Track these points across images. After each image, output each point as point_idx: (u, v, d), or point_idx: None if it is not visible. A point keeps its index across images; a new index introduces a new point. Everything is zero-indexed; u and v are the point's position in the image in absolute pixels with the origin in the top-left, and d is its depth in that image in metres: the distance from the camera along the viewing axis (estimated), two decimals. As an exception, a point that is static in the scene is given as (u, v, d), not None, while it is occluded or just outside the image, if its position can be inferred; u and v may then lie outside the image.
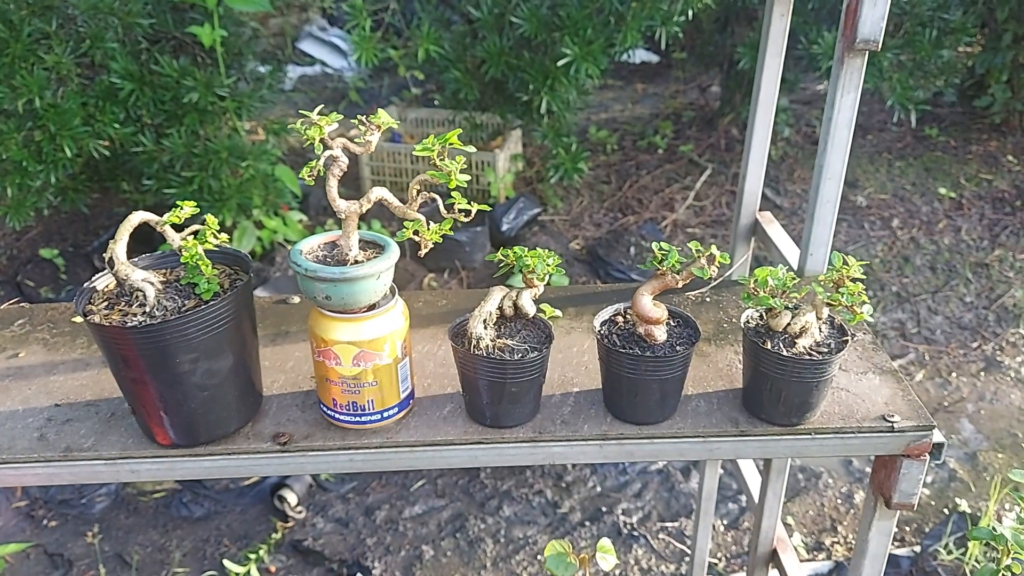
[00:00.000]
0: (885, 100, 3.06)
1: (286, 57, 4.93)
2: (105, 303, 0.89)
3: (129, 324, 0.85)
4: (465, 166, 0.87)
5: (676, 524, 2.24)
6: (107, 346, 0.87)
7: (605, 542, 1.04)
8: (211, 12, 2.43)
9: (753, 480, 1.65)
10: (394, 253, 0.91)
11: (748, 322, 0.97)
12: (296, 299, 1.25)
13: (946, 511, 2.25)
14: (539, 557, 2.14)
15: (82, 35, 2.31)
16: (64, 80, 2.29)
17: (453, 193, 0.88)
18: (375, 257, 0.90)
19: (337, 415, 0.95)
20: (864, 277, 0.93)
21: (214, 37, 2.44)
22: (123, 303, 0.88)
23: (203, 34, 2.42)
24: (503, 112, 3.13)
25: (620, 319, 0.99)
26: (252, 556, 2.06)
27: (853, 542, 2.17)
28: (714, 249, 0.91)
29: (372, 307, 0.91)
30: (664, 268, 0.93)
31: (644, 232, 3.34)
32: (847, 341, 0.94)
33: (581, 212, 3.54)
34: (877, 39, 1.04)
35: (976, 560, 2.05)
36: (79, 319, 0.85)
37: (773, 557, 1.58)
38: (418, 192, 0.90)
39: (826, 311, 0.95)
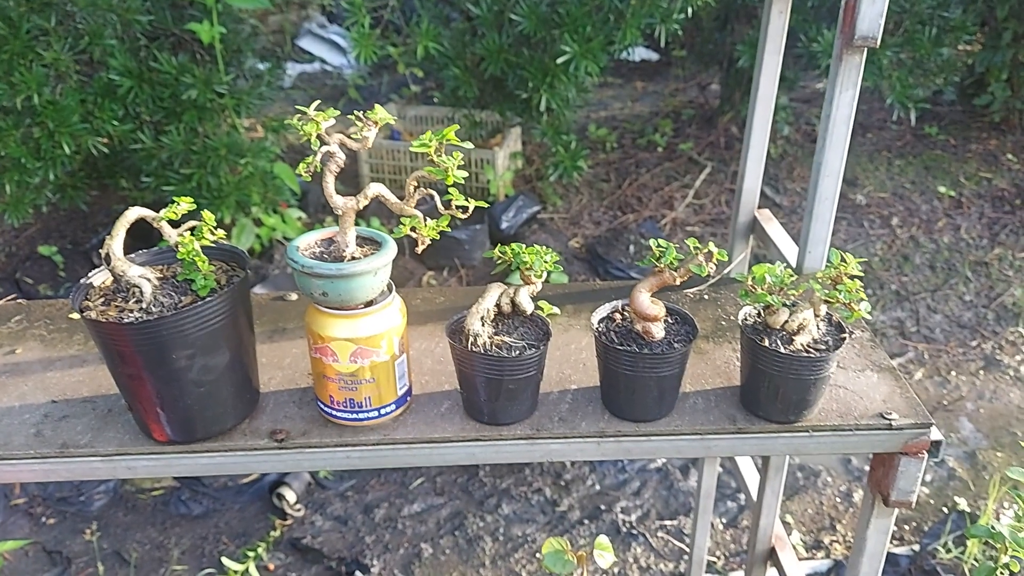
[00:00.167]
0: (885, 98, 3.06)
1: (285, 54, 4.92)
2: (102, 299, 0.89)
3: (126, 320, 0.84)
4: (464, 163, 0.87)
5: (675, 522, 2.24)
6: (104, 342, 0.87)
7: (603, 539, 1.04)
8: (210, 9, 2.42)
9: (751, 478, 1.65)
10: (391, 249, 0.90)
11: (746, 319, 0.97)
12: (293, 296, 1.24)
13: (945, 510, 2.25)
14: (538, 555, 2.14)
15: (81, 32, 2.31)
16: (63, 77, 2.28)
17: (451, 189, 0.88)
18: (372, 253, 0.90)
19: (334, 412, 0.95)
20: (862, 274, 0.93)
21: (213, 34, 2.43)
22: (120, 299, 0.88)
23: (202, 31, 2.42)
24: (502, 110, 3.13)
25: (618, 316, 0.99)
26: (251, 554, 2.06)
27: (852, 540, 2.17)
28: (712, 246, 0.91)
29: (369, 304, 0.91)
30: (662, 265, 0.92)
31: (643, 230, 3.34)
32: (845, 338, 0.94)
33: (580, 210, 3.54)
34: (875, 36, 1.04)
35: (975, 558, 2.05)
36: (76, 315, 0.85)
37: (771, 555, 1.58)
38: (415, 188, 0.90)
39: (824, 308, 0.95)
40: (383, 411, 0.95)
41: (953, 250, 3.27)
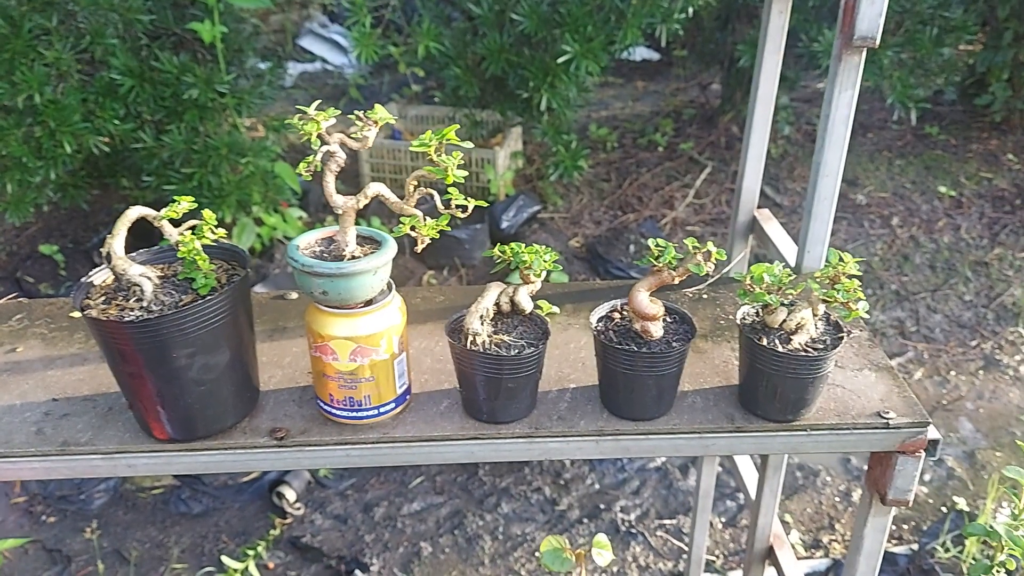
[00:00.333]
0: (885, 98, 3.06)
1: (286, 54, 4.93)
2: (103, 298, 0.89)
3: (126, 319, 0.85)
4: (464, 163, 0.87)
5: (674, 521, 2.25)
6: (104, 341, 0.87)
7: (601, 537, 1.04)
8: (211, 8, 2.43)
9: (750, 477, 1.65)
10: (391, 249, 0.91)
11: (744, 319, 0.98)
12: (294, 295, 1.25)
13: (944, 509, 2.25)
14: (537, 554, 2.14)
15: (82, 31, 2.31)
16: (64, 76, 2.29)
17: (450, 189, 0.88)
18: (372, 252, 0.90)
19: (334, 410, 0.95)
20: (860, 274, 0.93)
21: (214, 33, 2.44)
22: (120, 298, 0.88)
23: (203, 30, 2.42)
24: (503, 109, 3.13)
25: (617, 315, 0.99)
26: (250, 552, 2.06)
27: (850, 540, 2.17)
28: (710, 246, 0.92)
29: (369, 303, 0.91)
30: (660, 264, 0.93)
31: (644, 230, 3.34)
32: (843, 338, 0.95)
33: (581, 210, 3.54)
34: (875, 36, 1.04)
35: (973, 557, 2.06)
36: (77, 314, 0.86)
37: (770, 554, 1.58)
38: (415, 188, 0.91)
39: (822, 308, 0.95)
40: (382, 409, 0.96)
41: (953, 250, 3.28)
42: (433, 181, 0.89)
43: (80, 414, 0.98)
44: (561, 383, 1.03)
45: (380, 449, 0.95)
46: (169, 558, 2.14)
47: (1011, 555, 1.04)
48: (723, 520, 2.26)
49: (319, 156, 0.87)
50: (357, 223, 0.92)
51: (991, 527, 1.06)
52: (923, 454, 0.96)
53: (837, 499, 2.31)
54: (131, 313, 0.86)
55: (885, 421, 0.96)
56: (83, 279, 0.91)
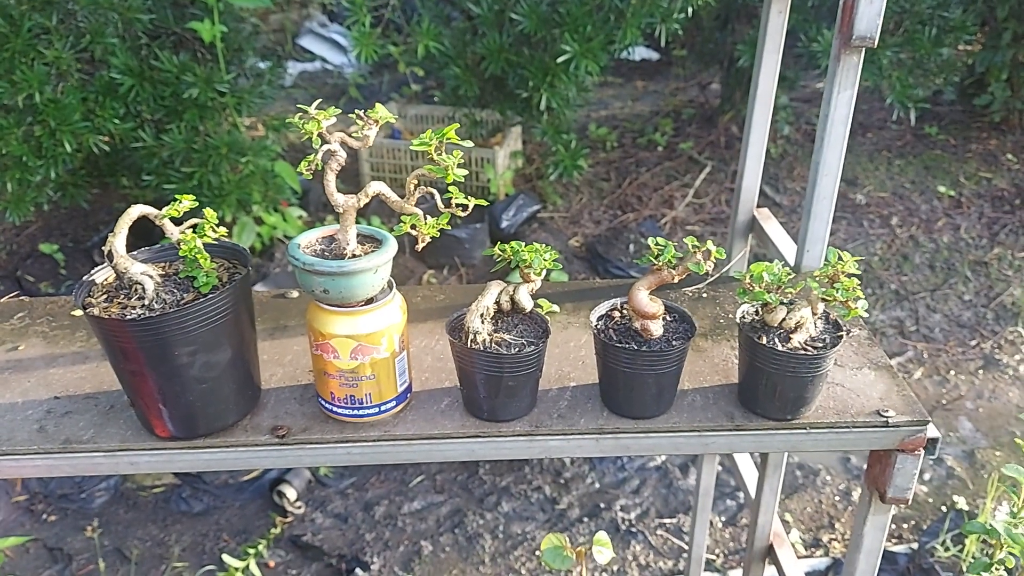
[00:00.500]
0: (885, 98, 3.06)
1: (286, 53, 4.93)
2: (104, 296, 0.89)
3: (128, 317, 0.85)
4: (464, 162, 0.87)
5: (674, 520, 2.25)
6: (106, 339, 0.87)
7: (602, 535, 1.05)
8: (211, 8, 2.43)
9: (750, 476, 1.65)
10: (392, 247, 0.91)
11: (744, 317, 0.98)
12: (295, 293, 1.25)
13: (944, 508, 2.26)
14: (537, 552, 2.14)
15: (82, 30, 2.32)
16: (64, 75, 2.29)
17: (450, 188, 0.88)
18: (373, 251, 0.90)
19: (335, 408, 0.96)
20: (859, 273, 0.93)
21: (214, 33, 2.44)
22: (122, 296, 0.89)
23: (203, 30, 2.42)
24: (503, 109, 3.13)
25: (617, 314, 1.00)
26: (251, 551, 2.06)
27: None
28: (710, 245, 0.92)
29: (370, 301, 0.91)
30: (660, 263, 0.93)
31: (643, 229, 3.35)
32: (842, 336, 0.95)
33: (581, 209, 3.54)
34: (873, 36, 1.04)
35: (973, 556, 2.06)
36: (78, 312, 0.86)
37: (770, 553, 1.59)
38: (416, 187, 0.91)
39: (821, 306, 0.96)
40: (383, 407, 0.96)
41: (953, 250, 3.28)
42: (433, 180, 0.89)
43: (82, 412, 0.98)
44: (561, 381, 1.03)
45: (381, 447, 0.95)
46: (170, 556, 2.14)
47: (1010, 553, 1.05)
48: (723, 519, 2.26)
49: (320, 155, 0.87)
50: (357, 222, 0.92)
51: (990, 525, 1.06)
52: (922, 452, 0.97)
53: (837, 498, 2.32)
54: (133, 311, 0.86)
55: (884, 419, 0.96)
56: (85, 277, 0.91)
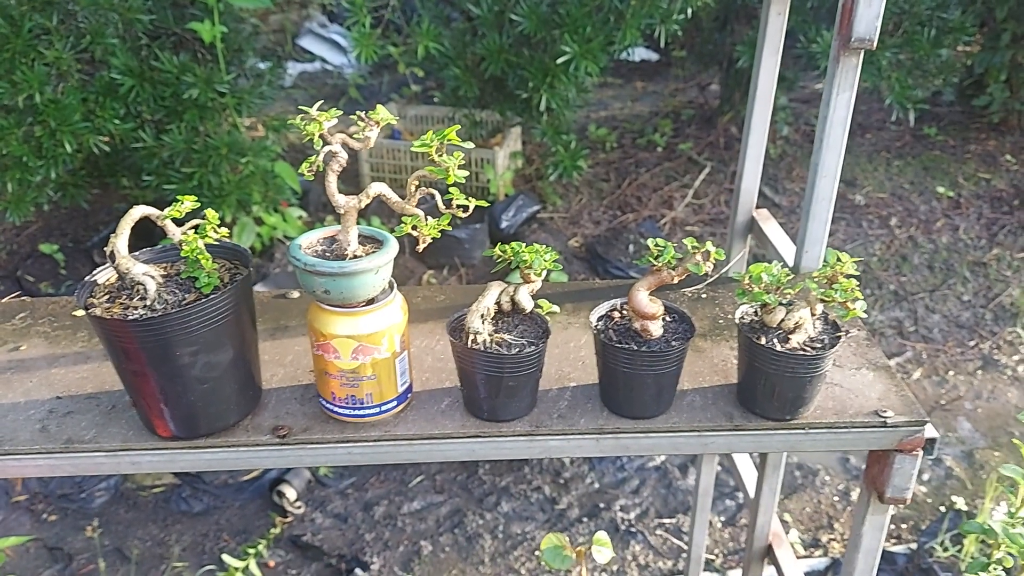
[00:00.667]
0: (884, 99, 3.07)
1: (286, 54, 4.93)
2: (106, 296, 0.90)
3: (130, 317, 0.85)
4: (464, 163, 0.88)
5: (673, 520, 2.25)
6: (108, 339, 0.88)
7: (601, 535, 1.05)
8: (211, 8, 2.43)
9: (749, 476, 1.66)
10: (392, 248, 0.91)
11: (743, 318, 0.98)
12: (295, 294, 1.25)
13: (942, 508, 2.26)
14: (537, 552, 2.15)
15: (82, 31, 2.32)
16: (64, 76, 2.29)
17: (451, 189, 0.89)
18: (374, 252, 0.91)
19: (336, 408, 0.96)
20: (858, 273, 0.94)
21: (214, 33, 2.44)
22: (124, 296, 0.89)
23: (203, 30, 2.42)
24: (503, 109, 3.14)
25: (616, 314, 1.00)
26: (251, 551, 2.07)
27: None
28: (709, 245, 0.92)
29: (371, 301, 0.92)
30: (660, 264, 0.94)
31: (643, 230, 3.35)
32: (840, 337, 0.95)
33: (580, 210, 3.55)
34: (872, 38, 1.05)
35: (971, 556, 2.06)
36: (80, 312, 0.86)
37: (769, 553, 1.59)
38: (416, 188, 0.91)
39: (820, 307, 0.96)
40: (384, 408, 0.96)
41: (951, 250, 3.29)
42: (434, 181, 0.89)
43: (84, 412, 0.99)
44: (561, 382, 1.04)
45: (382, 447, 0.96)
46: (170, 556, 2.14)
47: (1008, 553, 1.05)
48: (722, 519, 2.26)
49: (321, 156, 0.87)
50: (358, 222, 0.93)
51: (988, 525, 1.07)
52: (921, 453, 0.97)
53: (836, 498, 2.32)
54: (135, 312, 0.86)
55: (883, 420, 0.97)
56: (87, 278, 0.91)
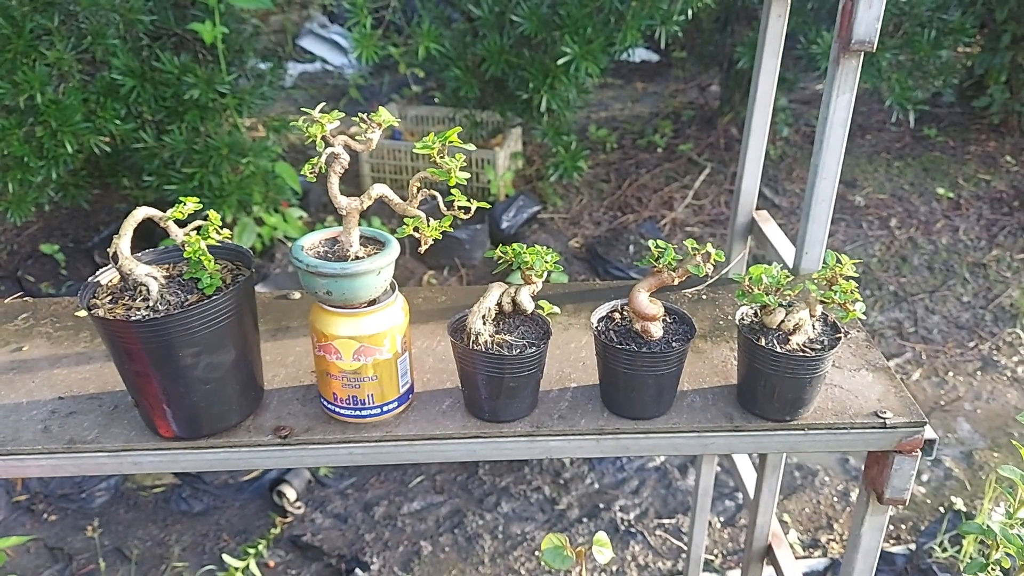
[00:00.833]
0: (884, 100, 3.07)
1: (287, 54, 4.93)
2: (109, 297, 0.90)
3: (133, 318, 0.86)
4: (465, 164, 0.88)
5: (673, 521, 2.26)
6: (111, 340, 0.88)
7: (601, 536, 1.05)
8: (212, 9, 2.44)
9: (749, 477, 1.66)
10: (394, 249, 0.92)
11: (743, 319, 0.99)
12: (297, 295, 1.26)
13: (942, 509, 2.26)
14: (537, 553, 2.15)
15: (83, 31, 2.32)
16: (65, 76, 2.30)
17: (453, 190, 0.89)
18: (376, 253, 0.91)
19: (337, 409, 0.96)
20: (857, 275, 0.94)
21: (215, 34, 2.45)
22: (127, 297, 0.89)
23: (204, 31, 2.43)
24: (503, 110, 3.14)
25: (617, 315, 1.00)
26: (251, 551, 2.07)
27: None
28: (709, 247, 0.93)
29: (372, 302, 0.92)
30: (660, 265, 0.94)
31: (643, 231, 3.36)
32: (840, 338, 0.96)
33: (580, 210, 3.55)
34: (872, 40, 1.05)
35: (970, 557, 2.07)
36: (83, 313, 0.87)
37: (768, 553, 1.60)
38: (418, 189, 0.92)
39: (820, 309, 0.96)
40: (385, 408, 0.97)
41: (951, 251, 3.29)
42: (435, 182, 0.90)
43: (86, 412, 0.99)
44: (562, 382, 1.04)
45: (383, 447, 0.96)
46: (170, 556, 2.14)
47: (1007, 553, 1.05)
48: (722, 519, 2.27)
49: (323, 158, 0.88)
50: (359, 223, 0.93)
51: (987, 526, 1.07)
52: (919, 453, 0.97)
53: (835, 499, 2.32)
54: (137, 312, 0.87)
55: (882, 420, 0.97)
56: (90, 279, 0.92)
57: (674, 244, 0.95)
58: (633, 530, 2.23)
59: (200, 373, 0.89)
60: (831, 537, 2.21)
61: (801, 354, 0.93)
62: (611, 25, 2.64)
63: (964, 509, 2.25)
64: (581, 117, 4.30)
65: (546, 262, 0.95)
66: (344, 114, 0.92)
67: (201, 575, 2.09)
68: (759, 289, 0.94)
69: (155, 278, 0.90)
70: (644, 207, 3.55)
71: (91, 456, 0.94)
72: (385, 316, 0.93)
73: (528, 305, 0.97)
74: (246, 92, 2.57)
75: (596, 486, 2.36)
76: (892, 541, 2.18)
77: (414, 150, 0.86)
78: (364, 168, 3.63)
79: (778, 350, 0.93)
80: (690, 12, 2.59)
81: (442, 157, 0.87)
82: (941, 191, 3.61)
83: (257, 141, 2.69)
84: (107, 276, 0.93)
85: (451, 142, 0.87)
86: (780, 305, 0.95)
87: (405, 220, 0.91)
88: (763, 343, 0.94)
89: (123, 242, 0.89)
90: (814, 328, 0.97)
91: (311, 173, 0.87)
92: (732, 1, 3.48)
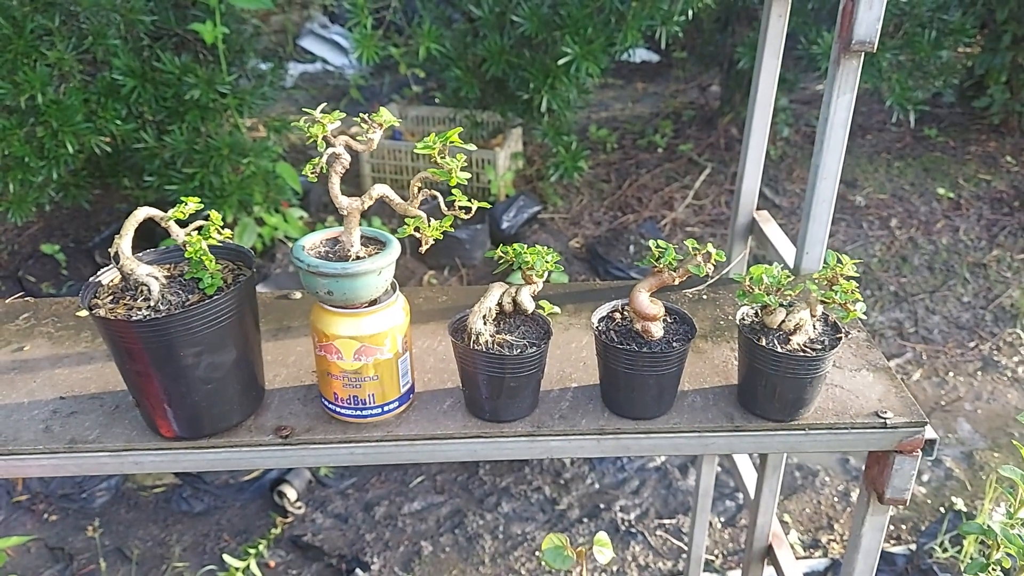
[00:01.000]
0: (884, 100, 3.07)
1: (287, 54, 4.94)
2: (110, 297, 0.90)
3: (134, 318, 0.86)
4: (465, 164, 0.88)
5: (673, 521, 2.26)
6: (112, 340, 0.88)
7: (602, 536, 1.05)
8: (213, 9, 2.44)
9: (749, 477, 1.66)
10: (395, 249, 0.92)
11: (743, 319, 0.99)
12: (298, 295, 1.26)
13: (942, 509, 2.26)
14: (537, 553, 2.15)
15: (84, 32, 2.32)
16: (66, 76, 2.30)
17: (454, 191, 0.89)
18: (376, 253, 0.91)
19: (338, 409, 0.96)
20: (858, 275, 0.94)
21: (216, 34, 2.45)
22: (128, 297, 0.89)
23: (205, 31, 2.43)
24: (504, 110, 3.14)
25: (618, 315, 1.00)
26: (252, 551, 2.07)
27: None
28: (710, 247, 0.93)
29: (373, 302, 0.92)
30: (661, 265, 0.94)
31: (643, 231, 3.36)
32: (841, 338, 0.96)
33: (581, 210, 3.55)
34: (873, 41, 1.05)
35: (971, 557, 2.07)
36: (85, 313, 0.87)
37: (769, 553, 1.60)
38: (419, 189, 0.92)
39: (820, 309, 0.96)
40: (386, 408, 0.97)
41: (952, 251, 3.29)
42: (436, 182, 0.90)
43: (87, 412, 0.99)
44: (563, 382, 1.04)
45: (384, 447, 0.96)
46: (171, 556, 2.15)
47: (1007, 553, 1.05)
48: (722, 520, 2.27)
49: (324, 158, 0.88)
50: (359, 223, 0.93)
51: (987, 526, 1.07)
52: (920, 454, 0.98)
53: (836, 499, 2.32)
54: (139, 312, 0.87)
55: (883, 421, 0.97)
56: (91, 279, 0.92)
57: (674, 244, 0.95)
58: (634, 530, 2.23)
59: (201, 373, 0.89)
60: (832, 537, 2.21)
61: (802, 354, 0.93)
62: (612, 25, 2.65)
63: (965, 509, 2.25)
64: (582, 117, 4.30)
65: (546, 262, 0.95)
66: (345, 114, 0.92)
67: (202, 575, 2.09)
68: (760, 289, 0.94)
69: (156, 278, 0.90)
70: (644, 207, 3.55)
71: (92, 456, 0.94)
72: (386, 316, 0.93)
73: (529, 305, 0.97)
74: (247, 92, 2.57)
75: (597, 486, 2.36)
76: (893, 541, 2.18)
77: (415, 150, 0.86)
78: (365, 168, 3.63)
79: (779, 350, 0.93)
80: (690, 12, 2.59)
81: (443, 157, 0.87)
82: (941, 191, 3.61)
83: (258, 141, 2.70)
84: (108, 276, 0.93)
85: (452, 142, 0.87)
86: (781, 305, 0.95)
87: (406, 220, 0.91)
88: (764, 343, 0.94)
89: (124, 242, 0.89)
90: (815, 328, 0.97)
91: (312, 173, 0.87)
92: (733, 1, 3.48)
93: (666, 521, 2.26)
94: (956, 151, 3.89)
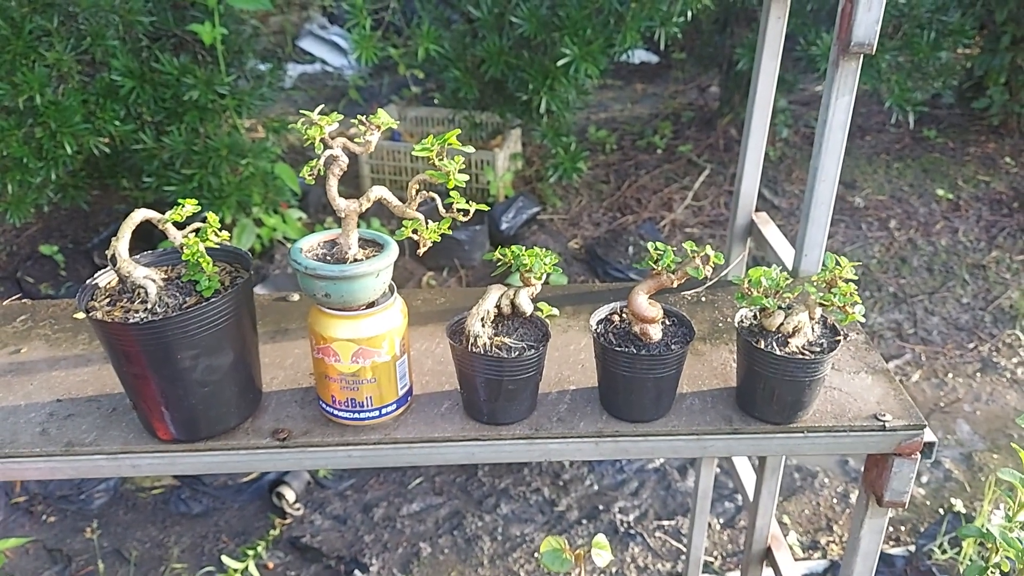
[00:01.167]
0: (883, 101, 3.07)
1: (286, 55, 4.94)
2: (107, 300, 0.90)
3: (131, 321, 0.86)
4: (464, 165, 0.88)
5: (672, 522, 2.25)
6: (109, 342, 0.88)
7: (600, 538, 1.05)
8: (212, 10, 2.44)
9: (748, 479, 1.66)
10: (393, 251, 0.92)
11: (742, 321, 0.98)
12: (296, 297, 1.26)
13: (941, 511, 2.26)
14: (536, 555, 2.15)
15: (83, 32, 2.32)
16: (65, 77, 2.30)
17: (452, 192, 0.89)
18: (374, 255, 0.91)
19: (336, 411, 0.96)
20: (856, 278, 0.94)
21: (215, 35, 2.45)
22: (125, 300, 0.89)
23: (204, 32, 2.43)
24: (502, 111, 3.14)
25: (616, 318, 1.00)
26: (250, 552, 2.07)
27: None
28: (708, 249, 0.93)
29: (371, 305, 0.92)
30: (659, 268, 0.94)
31: (643, 232, 3.35)
32: (839, 341, 0.96)
33: (580, 211, 3.55)
34: (871, 42, 1.05)
35: (970, 559, 2.07)
36: (81, 315, 0.86)
37: (767, 555, 1.59)
38: (417, 191, 0.92)
39: (819, 311, 0.96)
40: (384, 411, 0.97)
41: (951, 253, 3.29)
42: (434, 184, 0.90)
43: (84, 415, 0.99)
44: (561, 385, 1.04)
45: (381, 450, 0.96)
46: (169, 558, 2.14)
47: (1006, 556, 1.05)
48: (721, 521, 2.27)
49: (322, 160, 0.88)
50: (357, 224, 0.93)
51: (986, 529, 1.07)
52: (919, 456, 0.97)
53: (835, 501, 2.32)
54: (136, 315, 0.87)
55: (881, 423, 0.97)
56: (88, 281, 0.91)
57: (673, 245, 0.95)
58: (632, 532, 2.23)
59: (198, 375, 0.89)
60: (830, 539, 2.21)
61: (800, 357, 0.93)
62: (611, 26, 2.64)
63: (964, 511, 2.25)
64: (581, 118, 4.30)
65: (545, 264, 0.95)
66: (343, 115, 0.91)
67: (200, 577, 2.09)
68: (758, 291, 0.94)
69: (153, 280, 0.89)
70: (643, 208, 3.55)
71: (89, 459, 0.94)
72: (384, 318, 0.92)
73: (527, 307, 0.97)
74: (245, 93, 2.57)
75: (595, 488, 2.36)
76: (892, 543, 2.18)
77: (413, 152, 0.86)
78: (363, 169, 3.63)
79: (777, 353, 0.93)
80: (689, 13, 2.59)
81: (441, 159, 0.87)
82: (940, 192, 3.61)
83: (256, 142, 2.69)
84: (105, 278, 0.93)
85: (450, 144, 0.87)
86: (779, 307, 0.95)
87: (404, 222, 0.91)
88: (762, 346, 0.94)
89: (121, 244, 0.88)
90: (813, 331, 0.97)
91: (310, 175, 0.87)
92: (731, 2, 3.48)
93: (665, 523, 2.26)
94: (955, 152, 3.89)
